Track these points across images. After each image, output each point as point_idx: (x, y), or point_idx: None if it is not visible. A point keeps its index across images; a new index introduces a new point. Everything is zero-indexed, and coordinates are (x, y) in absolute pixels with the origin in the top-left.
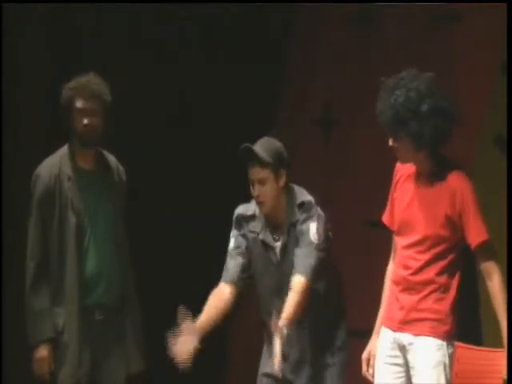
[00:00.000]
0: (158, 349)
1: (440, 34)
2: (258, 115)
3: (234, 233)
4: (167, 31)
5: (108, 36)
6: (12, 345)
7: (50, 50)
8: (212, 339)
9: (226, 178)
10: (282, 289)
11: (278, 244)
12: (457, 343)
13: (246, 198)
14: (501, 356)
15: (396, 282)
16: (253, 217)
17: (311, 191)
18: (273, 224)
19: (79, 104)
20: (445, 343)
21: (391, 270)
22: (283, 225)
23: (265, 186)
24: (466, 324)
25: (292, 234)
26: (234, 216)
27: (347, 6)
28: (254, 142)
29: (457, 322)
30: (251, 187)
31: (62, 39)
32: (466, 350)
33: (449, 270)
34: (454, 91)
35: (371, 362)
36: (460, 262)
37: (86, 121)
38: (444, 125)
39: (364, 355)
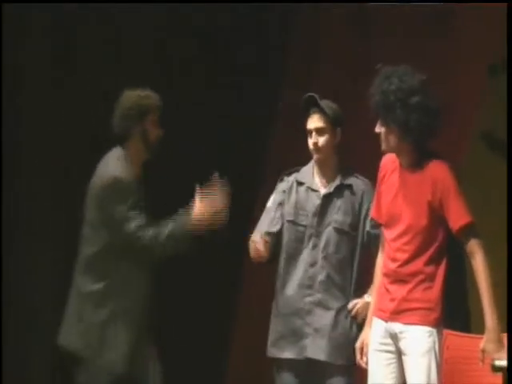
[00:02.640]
0: None
1: (434, 35)
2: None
3: (275, 191)
4: (167, 31)
5: (108, 36)
6: (12, 345)
7: (50, 50)
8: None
9: None
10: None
11: (323, 190)
12: (446, 330)
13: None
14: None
15: (386, 275)
16: (298, 170)
17: None
18: (320, 177)
19: (155, 116)
20: (434, 330)
21: (381, 262)
22: (330, 181)
23: (322, 136)
24: (455, 311)
25: (337, 192)
26: (279, 177)
27: (346, 6)
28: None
29: (444, 309)
30: (308, 137)
31: (61, 39)
32: (456, 337)
33: (435, 259)
34: (447, 91)
35: (364, 350)
36: (445, 250)
37: (158, 132)
38: (430, 122)
39: (357, 344)
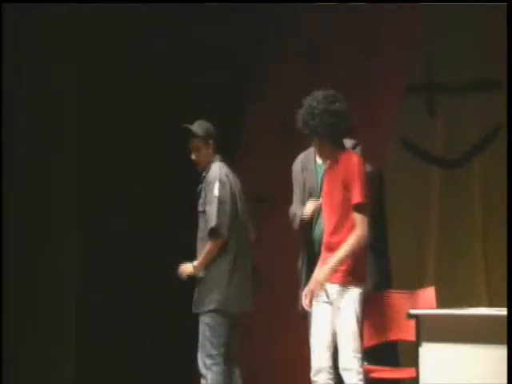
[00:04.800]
0: None
1: (361, 62)
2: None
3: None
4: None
5: (108, 35)
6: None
7: (50, 50)
8: None
9: None
10: None
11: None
12: (369, 288)
13: None
14: (404, 296)
15: (323, 245)
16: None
17: None
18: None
19: None
20: (357, 288)
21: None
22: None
23: (198, 151)
24: (378, 272)
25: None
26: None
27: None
28: None
29: (365, 269)
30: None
31: (62, 39)
32: (377, 294)
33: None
34: (372, 107)
35: (309, 297)
36: None
37: None
38: (335, 123)
39: (304, 292)
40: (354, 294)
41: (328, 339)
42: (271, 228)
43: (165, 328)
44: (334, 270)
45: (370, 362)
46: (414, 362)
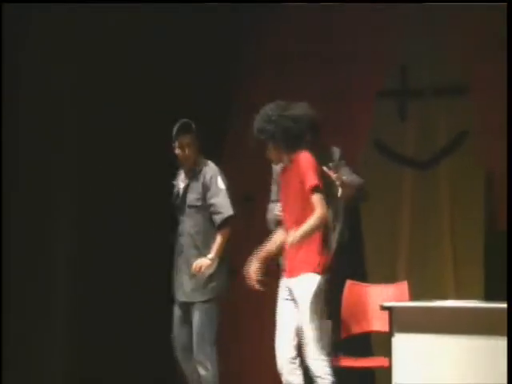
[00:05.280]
0: None
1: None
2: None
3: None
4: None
5: (108, 35)
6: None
7: (50, 50)
8: None
9: None
10: None
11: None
12: (349, 280)
13: None
14: (379, 290)
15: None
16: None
17: None
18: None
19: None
20: (316, 279)
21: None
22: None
23: (188, 147)
24: (353, 263)
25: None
26: None
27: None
28: None
29: (323, 261)
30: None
31: (62, 39)
32: (354, 285)
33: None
34: (350, 111)
35: (253, 277)
36: None
37: None
38: (290, 127)
39: (254, 263)
40: (313, 285)
41: (291, 333)
42: (258, 226)
43: (165, 328)
44: (293, 257)
45: (344, 353)
46: (386, 351)
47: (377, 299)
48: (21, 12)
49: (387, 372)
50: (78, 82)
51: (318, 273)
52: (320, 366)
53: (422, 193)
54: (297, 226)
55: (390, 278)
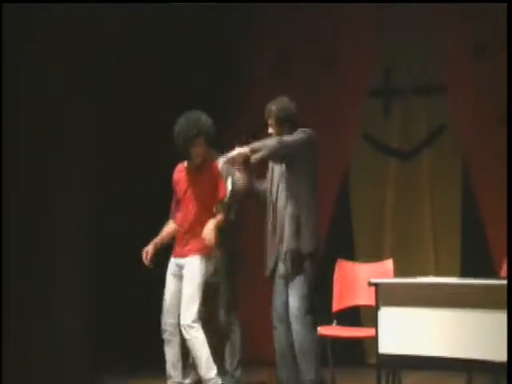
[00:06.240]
0: None
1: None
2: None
3: None
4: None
5: (108, 35)
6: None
7: (50, 50)
8: None
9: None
10: None
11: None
12: (340, 259)
13: None
14: (366, 267)
15: (180, 229)
16: None
17: None
18: None
19: None
20: (197, 259)
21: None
22: None
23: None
24: (343, 244)
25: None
26: None
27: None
28: None
29: (205, 245)
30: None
31: (62, 39)
32: (345, 263)
33: (205, 221)
34: (341, 108)
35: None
36: (212, 215)
37: None
38: (186, 131)
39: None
40: (196, 263)
41: (174, 301)
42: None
43: None
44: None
45: (337, 323)
46: (373, 323)
47: (365, 276)
48: (21, 12)
49: (374, 341)
50: (78, 82)
51: (203, 254)
52: (188, 331)
53: (406, 179)
54: (190, 225)
55: (376, 257)
